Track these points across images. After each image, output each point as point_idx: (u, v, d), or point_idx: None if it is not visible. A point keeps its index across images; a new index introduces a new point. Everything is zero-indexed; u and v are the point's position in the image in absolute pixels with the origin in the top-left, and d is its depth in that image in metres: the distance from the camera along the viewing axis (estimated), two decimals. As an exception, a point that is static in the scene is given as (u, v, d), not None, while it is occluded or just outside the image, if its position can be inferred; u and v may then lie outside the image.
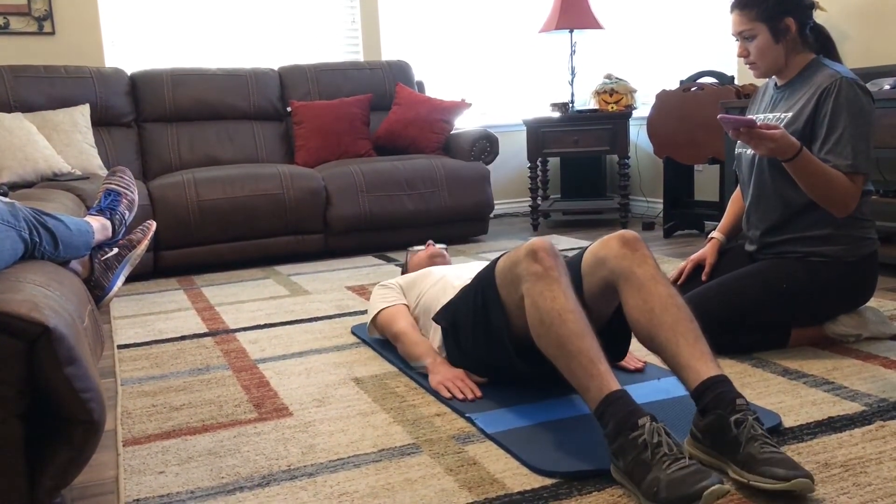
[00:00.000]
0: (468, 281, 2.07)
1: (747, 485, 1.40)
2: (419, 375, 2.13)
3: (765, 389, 1.95)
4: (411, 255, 2.71)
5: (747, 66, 2.29)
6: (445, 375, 2.02)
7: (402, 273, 2.68)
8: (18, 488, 1.19)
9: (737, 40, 2.27)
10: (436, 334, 2.16)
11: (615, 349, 1.97)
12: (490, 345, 1.89)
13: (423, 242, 2.86)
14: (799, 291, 2.20)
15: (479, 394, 1.95)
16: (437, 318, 2.12)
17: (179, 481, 1.59)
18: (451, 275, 2.26)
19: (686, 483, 1.30)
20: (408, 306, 2.34)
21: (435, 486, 1.52)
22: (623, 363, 2.11)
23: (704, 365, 1.54)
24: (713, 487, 1.27)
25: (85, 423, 1.20)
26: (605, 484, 1.48)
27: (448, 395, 1.96)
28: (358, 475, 1.58)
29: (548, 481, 1.51)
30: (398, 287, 2.42)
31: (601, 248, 1.77)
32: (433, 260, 2.61)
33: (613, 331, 1.87)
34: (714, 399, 1.49)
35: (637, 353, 2.17)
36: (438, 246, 2.70)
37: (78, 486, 1.62)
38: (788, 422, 1.74)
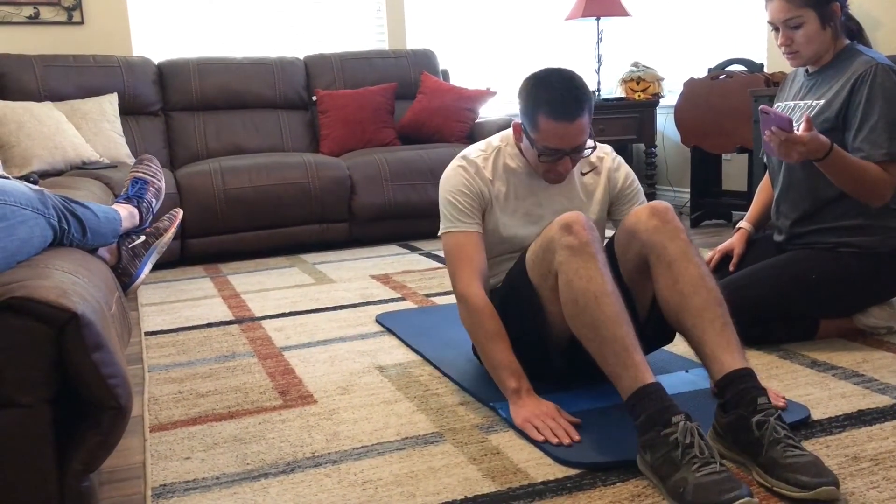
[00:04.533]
0: None
1: (771, 490, 1.38)
2: (443, 365, 2.12)
3: (793, 381, 1.93)
4: (541, 131, 1.78)
5: (788, 55, 2.20)
6: (534, 412, 1.69)
7: (521, 107, 1.84)
8: (48, 472, 1.21)
9: (775, 28, 2.20)
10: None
11: (664, 333, 1.83)
12: (522, 332, 1.81)
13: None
14: (829, 282, 2.17)
15: (576, 437, 1.61)
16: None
17: (205, 467, 1.61)
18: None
19: (714, 490, 1.27)
20: (481, 233, 1.91)
21: (458, 475, 1.52)
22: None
23: (730, 356, 1.51)
24: (741, 501, 1.25)
25: (112, 408, 1.21)
26: (629, 475, 1.48)
27: (539, 437, 1.63)
28: (382, 463, 1.59)
29: (571, 471, 1.51)
30: (485, 199, 1.90)
31: (631, 219, 1.71)
32: (546, 176, 1.90)
33: (660, 313, 1.70)
34: (736, 396, 1.47)
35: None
36: (581, 150, 1.83)
37: (105, 470, 1.64)
38: (817, 414, 1.72)
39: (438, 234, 1.94)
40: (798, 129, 2.00)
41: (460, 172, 1.91)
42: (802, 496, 1.32)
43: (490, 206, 1.92)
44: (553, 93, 1.77)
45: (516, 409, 1.73)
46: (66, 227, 1.63)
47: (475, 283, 1.82)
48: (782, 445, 1.38)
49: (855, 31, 2.25)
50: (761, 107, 2.01)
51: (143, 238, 2.05)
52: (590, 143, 1.85)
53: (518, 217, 1.93)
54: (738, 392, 1.46)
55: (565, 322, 1.64)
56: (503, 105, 5.50)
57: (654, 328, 1.76)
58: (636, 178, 2.02)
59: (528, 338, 1.81)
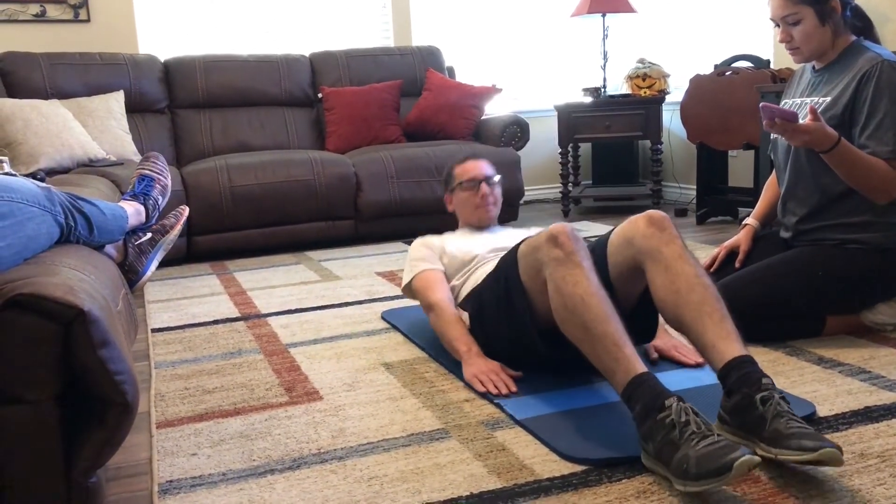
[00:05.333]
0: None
1: (775, 460, 1.39)
2: (448, 361, 2.13)
3: (799, 378, 1.92)
4: (457, 176, 2.42)
5: (789, 51, 2.23)
6: (480, 368, 1.96)
7: (444, 185, 2.49)
8: (55, 468, 1.21)
9: (776, 25, 2.21)
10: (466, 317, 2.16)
11: (643, 330, 1.95)
12: (514, 330, 1.89)
13: (453, 229, 2.53)
14: (835, 279, 2.16)
15: (514, 388, 1.88)
16: (464, 305, 2.12)
17: (211, 463, 1.61)
18: (490, 253, 2.24)
19: (715, 457, 1.29)
20: (445, 272, 2.29)
21: (464, 471, 1.52)
22: (683, 358, 2.03)
23: (730, 345, 1.53)
24: (743, 458, 1.27)
25: (119, 404, 1.22)
26: (635, 471, 1.48)
27: (482, 388, 1.90)
28: (387, 459, 1.59)
29: (577, 468, 1.51)
30: (438, 248, 2.34)
31: (628, 227, 1.77)
32: (478, 212, 2.40)
33: (642, 311, 1.86)
34: (740, 379, 1.49)
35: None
36: (491, 179, 2.40)
37: (112, 466, 1.65)
38: (823, 411, 1.71)
39: (402, 289, 2.36)
40: (804, 121, 2.00)
41: (417, 243, 2.39)
42: (805, 458, 1.34)
43: (443, 252, 2.33)
44: (460, 156, 2.48)
45: (466, 367, 2.00)
46: (73, 224, 1.64)
47: (439, 295, 2.21)
48: (785, 419, 1.40)
49: (861, 28, 2.24)
50: (761, 104, 2.01)
51: (149, 235, 2.06)
52: (496, 177, 2.40)
53: (464, 241, 2.36)
54: (742, 375, 1.48)
55: (549, 312, 1.69)
56: (508, 102, 5.50)
57: (635, 325, 1.79)
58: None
59: (516, 325, 1.87)
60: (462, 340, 2.07)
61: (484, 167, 2.40)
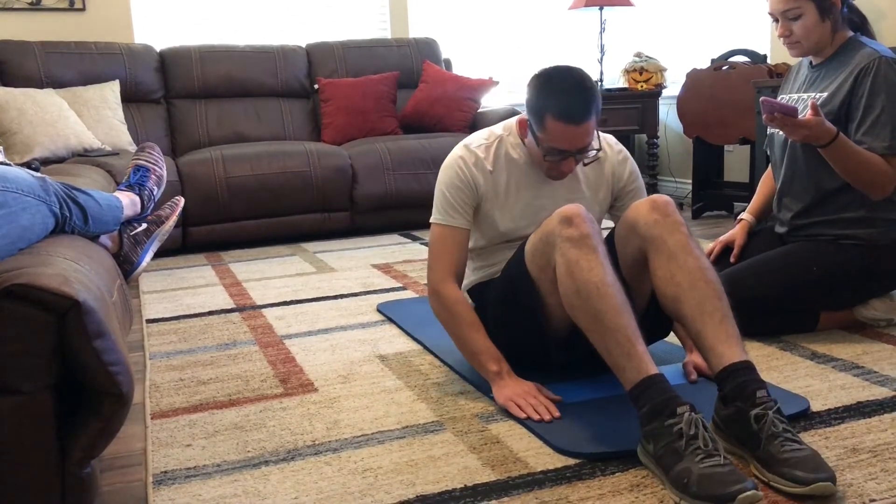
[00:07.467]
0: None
1: (768, 484, 1.38)
2: (444, 354, 2.13)
3: (792, 373, 1.93)
4: (547, 131, 1.77)
5: (787, 45, 2.22)
6: (515, 391, 1.75)
7: (529, 111, 1.83)
8: (49, 459, 1.21)
9: (775, 20, 2.21)
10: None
11: (661, 326, 1.87)
12: (521, 333, 1.82)
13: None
14: (830, 274, 2.17)
15: (557, 414, 1.68)
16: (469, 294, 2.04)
17: (206, 454, 1.62)
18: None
19: (720, 483, 1.27)
20: (469, 230, 1.92)
21: (458, 464, 1.52)
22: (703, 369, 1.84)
23: (728, 348, 1.50)
24: (747, 493, 1.24)
25: (113, 395, 1.22)
26: (629, 465, 1.48)
27: (521, 414, 1.69)
28: (382, 451, 1.59)
29: (571, 461, 1.51)
30: (477, 190, 1.89)
31: (631, 213, 1.71)
32: (549, 173, 1.88)
33: (657, 308, 1.72)
34: (735, 389, 1.46)
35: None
36: (585, 156, 1.84)
37: (107, 457, 1.65)
38: (816, 406, 1.72)
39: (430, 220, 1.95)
40: (805, 116, 2.00)
41: (458, 164, 1.90)
42: (798, 491, 1.32)
43: (485, 199, 1.91)
44: (562, 95, 1.76)
45: (499, 389, 1.78)
46: (68, 215, 1.63)
47: (449, 279, 1.87)
48: (780, 440, 1.38)
49: (858, 24, 2.24)
50: (762, 98, 2.01)
51: (144, 226, 2.05)
52: (595, 144, 1.85)
53: (517, 210, 1.93)
54: (738, 385, 1.46)
55: (564, 314, 1.64)
56: (505, 95, 5.49)
57: (652, 322, 1.75)
58: (639, 173, 2.04)
59: (527, 330, 1.81)
60: (490, 355, 1.81)
61: (583, 137, 1.78)
